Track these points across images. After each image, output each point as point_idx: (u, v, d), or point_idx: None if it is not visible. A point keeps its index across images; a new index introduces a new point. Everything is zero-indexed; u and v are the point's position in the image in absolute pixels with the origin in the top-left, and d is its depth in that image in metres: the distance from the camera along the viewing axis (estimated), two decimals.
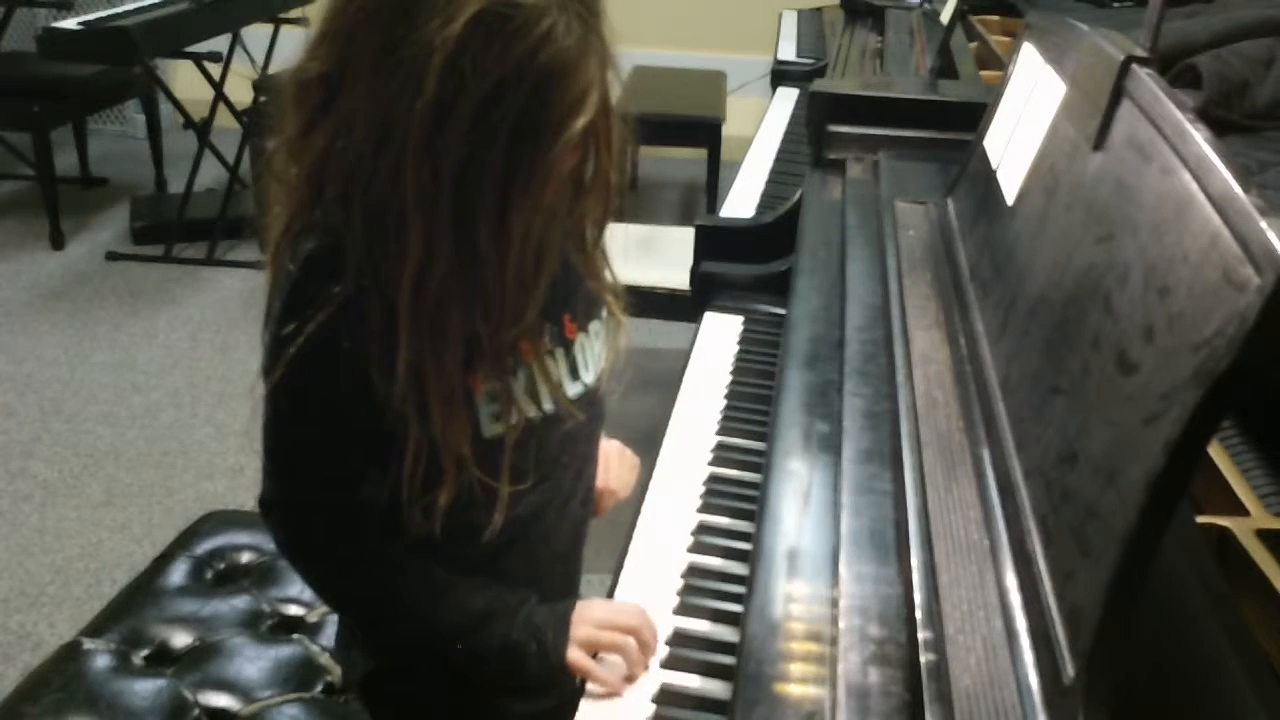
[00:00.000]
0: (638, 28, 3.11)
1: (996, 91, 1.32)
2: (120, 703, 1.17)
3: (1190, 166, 0.71)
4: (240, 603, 1.34)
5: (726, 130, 3.72)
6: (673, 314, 1.97)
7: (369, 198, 0.84)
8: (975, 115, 1.34)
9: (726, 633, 0.97)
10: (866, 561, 0.84)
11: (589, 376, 1.02)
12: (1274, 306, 0.55)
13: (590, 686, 0.95)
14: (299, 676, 1.23)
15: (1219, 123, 1.24)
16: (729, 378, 1.42)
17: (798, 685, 0.79)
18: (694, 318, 1.62)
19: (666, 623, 0.99)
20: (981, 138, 1.29)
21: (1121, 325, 0.71)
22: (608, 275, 1.02)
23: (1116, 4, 2.46)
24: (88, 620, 1.32)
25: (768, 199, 2.17)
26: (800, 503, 0.98)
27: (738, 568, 1.05)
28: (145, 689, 1.19)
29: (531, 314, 0.89)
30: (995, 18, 2.74)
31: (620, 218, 0.98)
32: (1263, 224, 0.59)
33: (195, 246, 3.67)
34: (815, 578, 0.89)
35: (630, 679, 0.94)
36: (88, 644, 1.26)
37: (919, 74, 2.34)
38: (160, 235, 3.70)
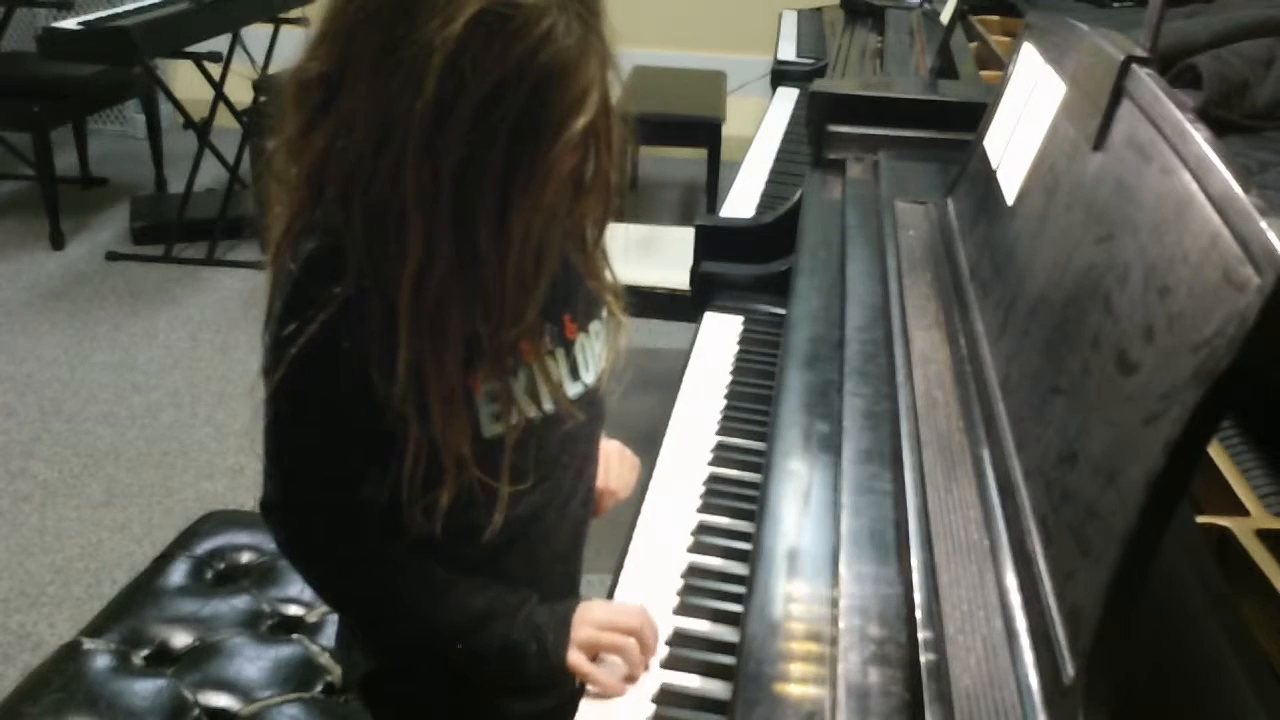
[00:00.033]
0: (638, 28, 3.11)
1: (996, 91, 1.32)
2: (120, 703, 1.17)
3: (1190, 166, 0.71)
4: (240, 603, 1.34)
5: (726, 130, 3.72)
6: (673, 314, 1.96)
7: (369, 198, 0.84)
8: (975, 115, 1.34)
9: (726, 633, 0.97)
10: (866, 561, 0.84)
11: (589, 376, 1.02)
12: (1274, 306, 0.55)
13: (590, 686, 0.95)
14: (299, 676, 1.23)
15: (1219, 123, 1.24)
16: (729, 378, 1.42)
17: (798, 685, 0.79)
18: (694, 318, 1.62)
19: (666, 623, 0.99)
20: (981, 138, 1.29)
21: (1121, 325, 0.71)
22: (608, 275, 1.02)
23: (1116, 4, 2.46)
24: (88, 620, 1.32)
25: (768, 199, 2.17)
26: (800, 503, 0.98)
27: (738, 568, 1.05)
28: (145, 689, 1.19)
29: (531, 314, 0.89)
30: (995, 18, 2.74)
31: (620, 218, 0.98)
32: (1263, 224, 0.59)
33: (195, 246, 3.67)
34: (815, 578, 0.89)
35: (630, 680, 0.94)
36: (88, 644, 1.26)
37: (919, 74, 2.34)
38: (160, 235, 3.70)
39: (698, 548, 1.09)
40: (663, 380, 1.43)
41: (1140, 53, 0.89)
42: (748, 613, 0.87)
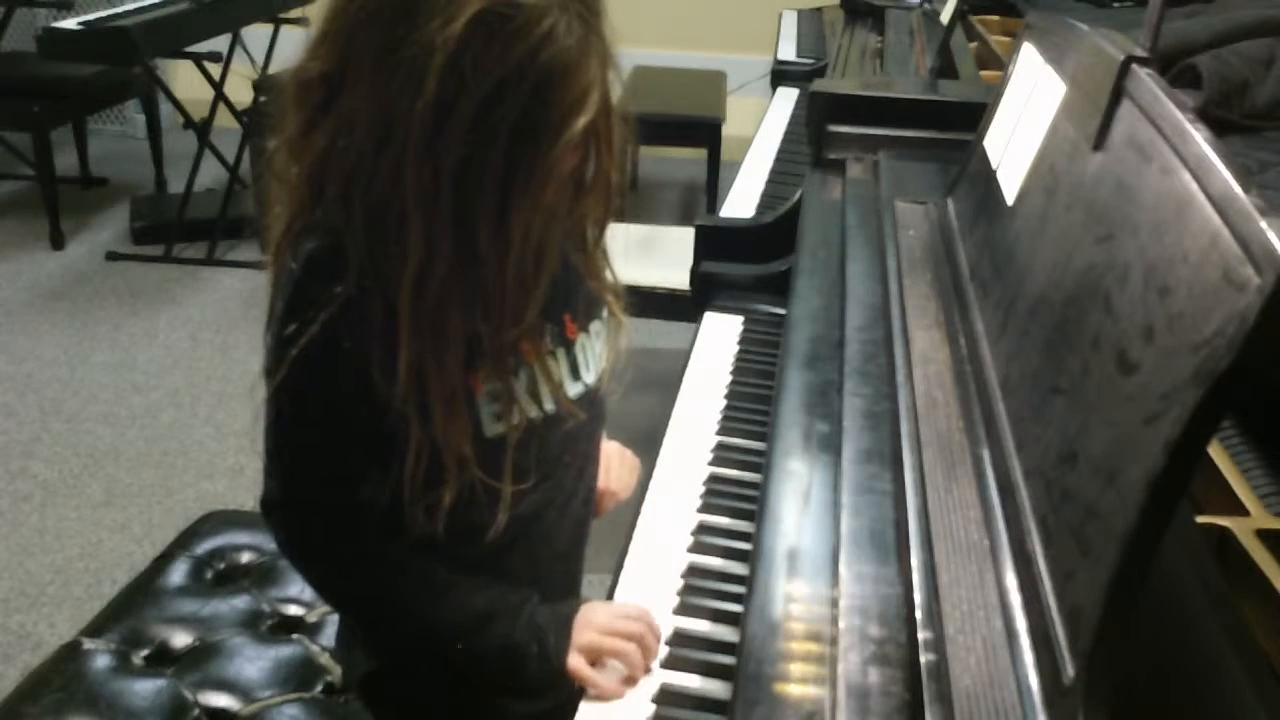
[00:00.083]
0: (638, 28, 3.11)
1: (996, 91, 1.32)
2: (120, 703, 1.17)
3: (1190, 166, 0.71)
4: (240, 603, 1.34)
5: (726, 130, 3.72)
6: (673, 314, 1.96)
7: (370, 197, 0.84)
8: (975, 115, 1.34)
9: (726, 633, 0.97)
10: (866, 561, 0.84)
11: (590, 376, 1.02)
12: (1274, 306, 0.55)
13: (590, 689, 0.95)
14: (299, 676, 1.23)
15: (1219, 123, 1.24)
16: (729, 378, 1.42)
17: (798, 685, 0.79)
18: (694, 318, 1.62)
19: (666, 623, 0.99)
20: (981, 138, 1.29)
21: (1121, 325, 0.71)
22: (608, 275, 1.02)
23: (1116, 4, 2.46)
24: (88, 620, 1.32)
25: (768, 199, 2.17)
26: (800, 503, 0.98)
27: (738, 568, 1.05)
28: (145, 689, 1.19)
29: (532, 314, 0.89)
30: (995, 18, 2.74)
31: (620, 218, 0.98)
32: (1263, 224, 0.59)
33: (195, 246, 3.67)
34: (815, 578, 0.89)
35: (630, 682, 0.94)
36: (88, 644, 1.26)
37: (919, 74, 2.34)
38: (160, 235, 3.70)
39: (698, 548, 1.09)
40: (663, 380, 1.43)
41: (1140, 53, 0.89)
42: (748, 613, 0.87)
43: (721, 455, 1.25)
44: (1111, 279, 0.76)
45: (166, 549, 1.44)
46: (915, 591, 0.76)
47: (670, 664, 0.95)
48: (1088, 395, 0.73)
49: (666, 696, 0.92)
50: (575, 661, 0.96)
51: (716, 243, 1.68)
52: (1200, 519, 0.85)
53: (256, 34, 3.80)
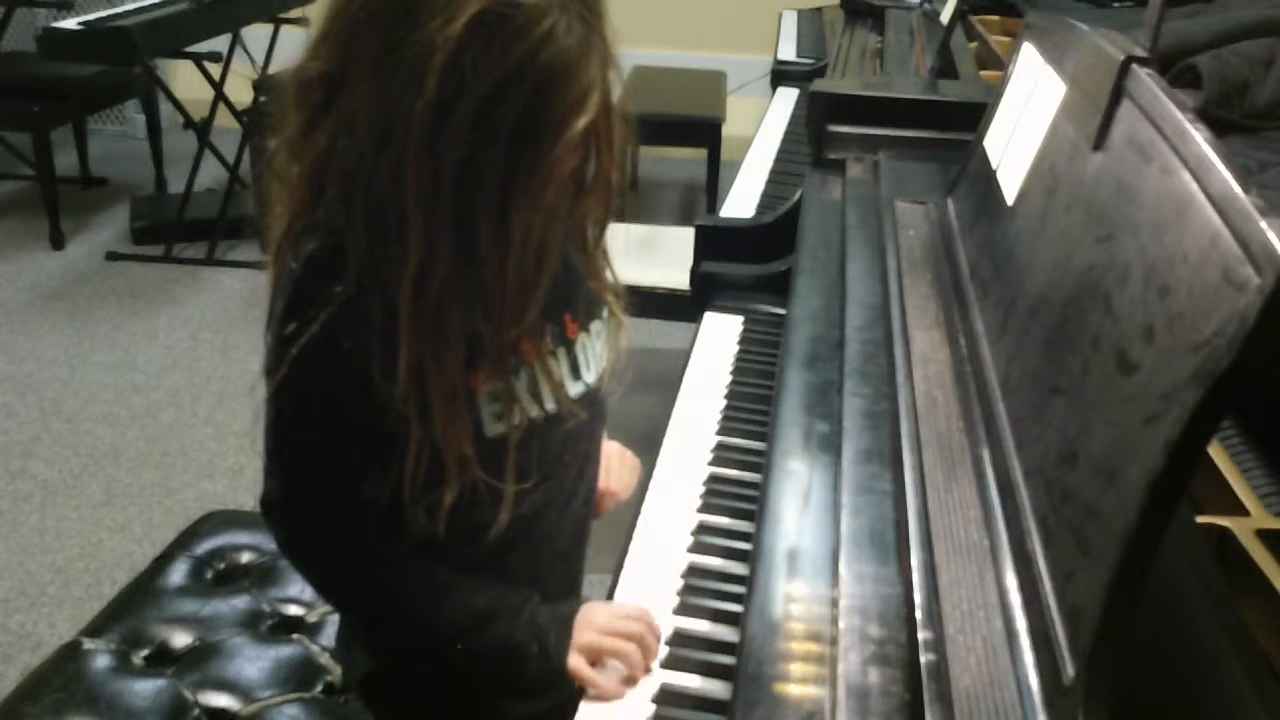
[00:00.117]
0: (638, 28, 3.10)
1: (996, 91, 1.32)
2: (120, 703, 1.17)
3: (1190, 166, 0.71)
4: (240, 603, 1.34)
5: (726, 130, 3.73)
6: (673, 314, 1.96)
7: (370, 197, 0.84)
8: (975, 115, 1.34)
9: (726, 633, 0.97)
10: (866, 561, 0.84)
11: (590, 376, 1.02)
12: (1274, 306, 0.55)
13: (590, 690, 0.95)
14: (299, 676, 1.23)
15: (1219, 123, 1.24)
16: (729, 378, 1.42)
17: (798, 685, 0.79)
18: (694, 318, 1.62)
19: (666, 623, 0.99)
20: (981, 138, 1.29)
21: (1121, 325, 0.71)
22: (608, 275, 1.02)
23: (1116, 4, 2.46)
24: (88, 620, 1.32)
25: (768, 199, 2.17)
26: (800, 503, 0.98)
27: (738, 568, 1.05)
28: (145, 689, 1.19)
29: (533, 314, 0.89)
30: (995, 18, 2.75)
31: (620, 218, 0.98)
32: (1263, 224, 0.59)
33: (195, 246, 3.67)
34: (815, 578, 0.89)
35: (630, 682, 0.94)
36: (88, 644, 1.26)
37: (919, 74, 2.34)
38: (160, 235, 3.70)
39: (698, 548, 1.09)
40: (663, 380, 1.43)
41: (1140, 53, 0.89)
42: (748, 613, 0.87)
43: (721, 455, 1.25)
44: (1111, 279, 0.76)
45: (166, 549, 1.44)
46: (915, 591, 0.76)
47: (670, 664, 0.95)
48: (1088, 395, 0.73)
49: (666, 696, 0.92)
50: (575, 661, 0.96)
51: (716, 243, 1.68)
52: (1200, 519, 0.85)
53: (256, 34, 3.80)
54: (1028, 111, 1.14)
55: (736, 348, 1.50)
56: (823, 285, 1.36)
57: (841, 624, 0.79)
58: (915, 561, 0.79)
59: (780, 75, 3.13)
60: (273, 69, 3.77)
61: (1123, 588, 0.60)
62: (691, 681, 0.94)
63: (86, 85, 3.82)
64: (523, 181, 0.83)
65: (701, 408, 1.35)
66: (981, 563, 0.77)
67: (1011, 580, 0.74)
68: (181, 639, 1.28)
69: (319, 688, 1.22)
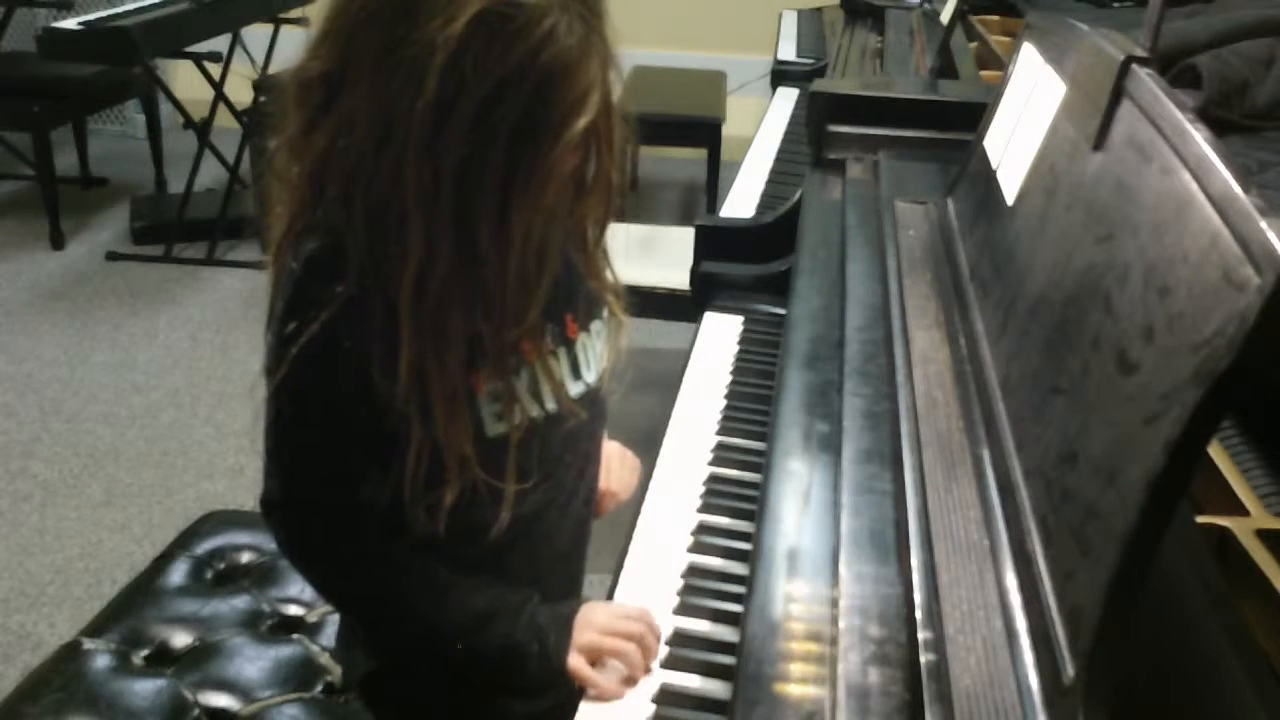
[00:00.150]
0: (638, 28, 3.10)
1: (996, 91, 1.32)
2: (120, 703, 1.17)
3: (1190, 166, 0.71)
4: (240, 603, 1.34)
5: (726, 130, 3.73)
6: (673, 314, 1.96)
7: (370, 197, 0.84)
8: (975, 115, 1.34)
9: (726, 633, 0.97)
10: (866, 561, 0.85)
11: (591, 376, 1.02)
12: (1274, 306, 0.55)
13: (590, 690, 0.95)
14: (299, 676, 1.23)
15: (1219, 123, 1.24)
16: (729, 378, 1.42)
17: (798, 685, 0.79)
18: (694, 318, 1.62)
19: (666, 623, 0.99)
20: (981, 138, 1.29)
21: (1121, 325, 0.71)
22: (609, 275, 1.02)
23: (1116, 4, 2.46)
24: (88, 620, 1.32)
25: (768, 199, 2.17)
26: (800, 503, 0.98)
27: (738, 568, 1.05)
28: (145, 689, 1.19)
29: (533, 314, 0.90)
30: (995, 18, 2.75)
31: (620, 218, 0.98)
32: (1263, 224, 0.59)
33: (195, 246, 3.67)
34: (815, 578, 0.89)
35: (630, 682, 0.94)
36: (88, 644, 1.26)
37: (919, 74, 2.34)
38: (160, 235, 3.70)
39: (698, 548, 1.09)
40: (663, 380, 1.43)
41: (1140, 53, 0.89)
42: (748, 613, 0.87)
43: (721, 455, 1.25)
44: (1111, 279, 0.76)
45: (166, 549, 1.44)
46: (915, 591, 0.76)
47: (670, 664, 0.95)
48: (1088, 395, 0.73)
49: (666, 696, 0.92)
50: (575, 661, 0.96)
51: (716, 243, 1.68)
52: (1200, 519, 0.85)
53: (256, 34, 3.80)
54: (1028, 111, 1.14)
55: (736, 348, 1.50)
56: (823, 285, 1.36)
57: (841, 624, 0.79)
58: (915, 561, 0.79)
59: (780, 75, 3.13)
60: (273, 69, 3.77)
61: (1123, 588, 0.60)
62: (691, 681, 0.94)
63: (86, 85, 3.82)
64: (523, 181, 0.83)
65: (701, 408, 1.35)
66: (981, 563, 0.77)
67: (1011, 580, 0.74)
68: (181, 639, 1.28)
69: (319, 688, 1.22)
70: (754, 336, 1.53)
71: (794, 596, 0.87)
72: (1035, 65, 1.18)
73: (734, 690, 0.81)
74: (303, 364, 0.87)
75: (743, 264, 1.67)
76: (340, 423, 0.92)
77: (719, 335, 1.54)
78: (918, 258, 1.26)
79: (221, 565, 1.42)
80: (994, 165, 1.18)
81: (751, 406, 1.34)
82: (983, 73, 2.16)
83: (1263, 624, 0.76)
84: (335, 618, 1.23)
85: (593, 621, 0.98)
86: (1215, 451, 0.93)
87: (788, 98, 2.92)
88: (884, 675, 0.74)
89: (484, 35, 0.79)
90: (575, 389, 1.00)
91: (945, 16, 2.46)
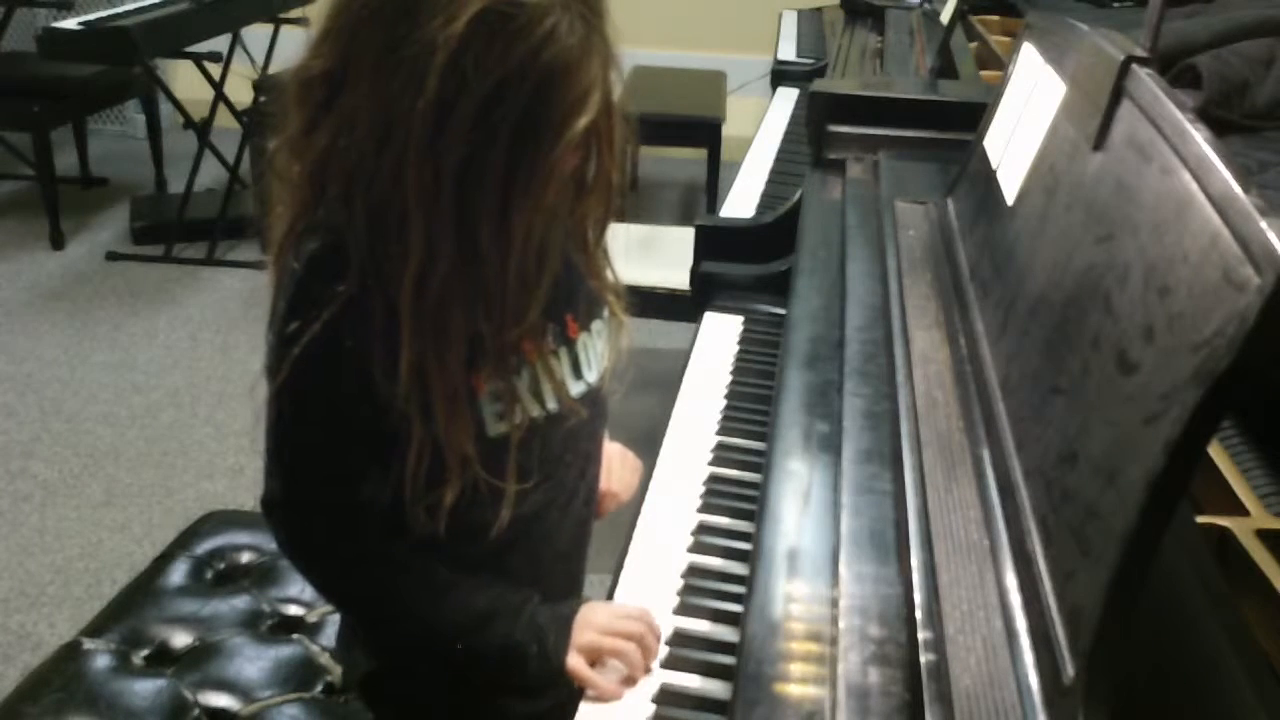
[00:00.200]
0: (638, 28, 3.10)
1: (996, 91, 1.32)
2: (120, 703, 1.17)
3: (1190, 166, 0.71)
4: (240, 603, 1.34)
5: (726, 130, 3.73)
6: (673, 314, 1.96)
7: (371, 196, 0.84)
8: (975, 115, 1.34)
9: (726, 633, 0.97)
10: (866, 561, 0.85)
11: (591, 375, 1.02)
12: (1274, 306, 0.55)
13: (589, 690, 0.95)
14: (299, 676, 1.23)
15: (1219, 123, 1.24)
16: (729, 378, 1.42)
17: (798, 685, 0.79)
18: (694, 318, 1.62)
19: (666, 623, 0.99)
20: (981, 138, 1.29)
21: (1121, 325, 0.71)
22: (609, 275, 1.02)
23: (1116, 4, 2.46)
24: (88, 620, 1.32)
25: (768, 199, 2.17)
26: (800, 503, 0.98)
27: (738, 568, 1.05)
28: (145, 689, 1.19)
29: (534, 314, 0.90)
30: (995, 18, 2.75)
31: (621, 218, 0.98)
32: (1263, 224, 0.59)
33: (195, 246, 3.67)
34: (815, 578, 0.89)
35: (630, 682, 0.94)
36: (88, 644, 1.26)
37: (919, 74, 2.34)
38: (160, 235, 3.70)
39: (698, 548, 1.09)
40: (663, 380, 1.43)
41: (1140, 53, 0.89)
42: (748, 613, 0.87)
43: (721, 455, 1.25)
44: (1111, 279, 0.76)
45: (166, 549, 1.44)
46: (915, 591, 0.76)
47: (670, 664, 0.95)
48: (1088, 395, 0.73)
49: (666, 696, 0.92)
50: (575, 661, 0.96)
51: (716, 243, 1.69)
52: (1200, 519, 0.85)
53: (256, 34, 3.80)
54: (1028, 111, 1.14)
55: (736, 348, 1.51)
56: (823, 285, 1.36)
57: (841, 624, 0.79)
58: (915, 561, 0.79)
59: (780, 75, 3.13)
60: (273, 69, 3.77)
61: (1123, 588, 0.60)
62: (691, 681, 0.94)
63: (86, 85, 3.82)
64: (524, 181, 0.83)
65: (701, 408, 1.35)
66: (981, 563, 0.77)
67: (1011, 580, 0.74)
68: (181, 639, 1.28)
69: (319, 688, 1.22)
70: (754, 336, 1.53)
71: (794, 596, 0.87)
72: (1035, 65, 1.18)
73: (734, 690, 0.81)
74: (304, 363, 0.87)
75: (743, 264, 1.67)
76: (341, 422, 0.92)
77: (719, 335, 1.54)
78: (918, 258, 1.26)
79: (221, 565, 1.42)
80: (994, 165, 1.18)
81: (751, 406, 1.34)
82: (983, 73, 2.16)
83: (1263, 624, 0.76)
84: (335, 618, 1.23)
85: (593, 621, 0.98)
86: (1215, 451, 0.93)
87: (788, 98, 2.93)
88: (884, 675, 0.74)
89: (485, 34, 0.79)
90: (576, 389, 1.00)
91: (945, 16, 2.46)
